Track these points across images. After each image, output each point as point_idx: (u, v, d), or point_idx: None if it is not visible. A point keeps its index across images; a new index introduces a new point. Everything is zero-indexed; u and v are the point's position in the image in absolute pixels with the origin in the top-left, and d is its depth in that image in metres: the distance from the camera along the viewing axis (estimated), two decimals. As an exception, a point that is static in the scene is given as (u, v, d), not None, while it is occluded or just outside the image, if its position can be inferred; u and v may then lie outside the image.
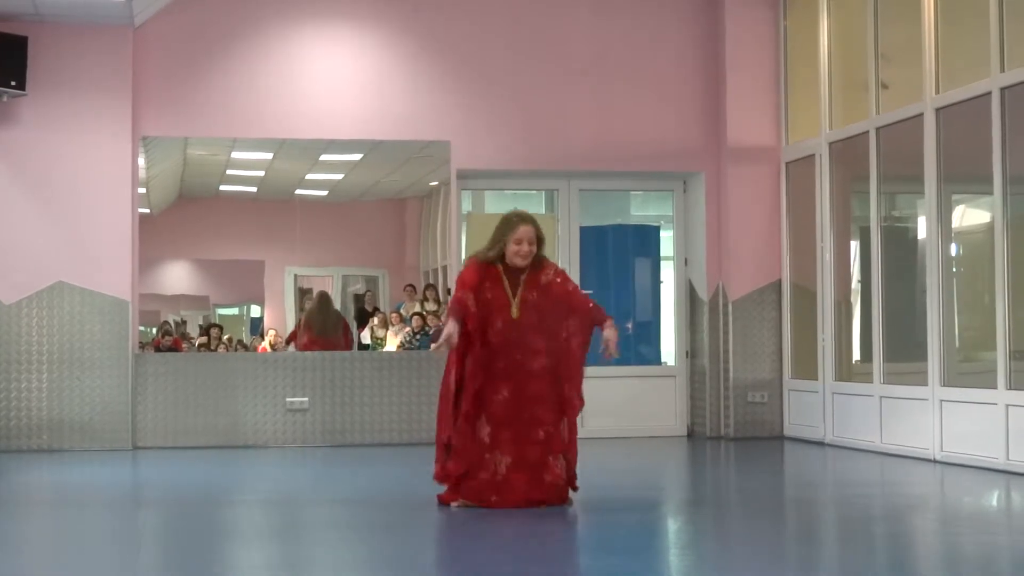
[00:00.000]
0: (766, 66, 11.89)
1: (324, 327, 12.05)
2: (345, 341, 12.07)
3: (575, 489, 7.39)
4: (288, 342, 12.02)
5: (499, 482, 7.20)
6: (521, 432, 7.20)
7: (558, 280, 7.41)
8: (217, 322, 12.29)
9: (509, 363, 7.24)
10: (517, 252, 7.32)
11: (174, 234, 12.08)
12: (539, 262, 7.43)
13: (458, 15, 11.73)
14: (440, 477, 7.36)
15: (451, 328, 7.16)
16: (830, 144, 11.20)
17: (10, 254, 11.01)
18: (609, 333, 7.26)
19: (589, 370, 11.31)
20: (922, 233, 10.05)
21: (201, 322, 12.31)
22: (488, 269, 7.38)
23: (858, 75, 10.80)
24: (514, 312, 7.29)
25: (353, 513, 7.38)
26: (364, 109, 11.58)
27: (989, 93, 9.11)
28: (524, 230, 7.33)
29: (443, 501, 7.32)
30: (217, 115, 11.40)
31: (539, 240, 7.38)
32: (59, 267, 11.03)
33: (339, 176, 12.63)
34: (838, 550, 6.38)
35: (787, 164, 11.83)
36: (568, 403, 7.30)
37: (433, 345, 7.37)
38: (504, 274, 7.37)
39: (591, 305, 7.41)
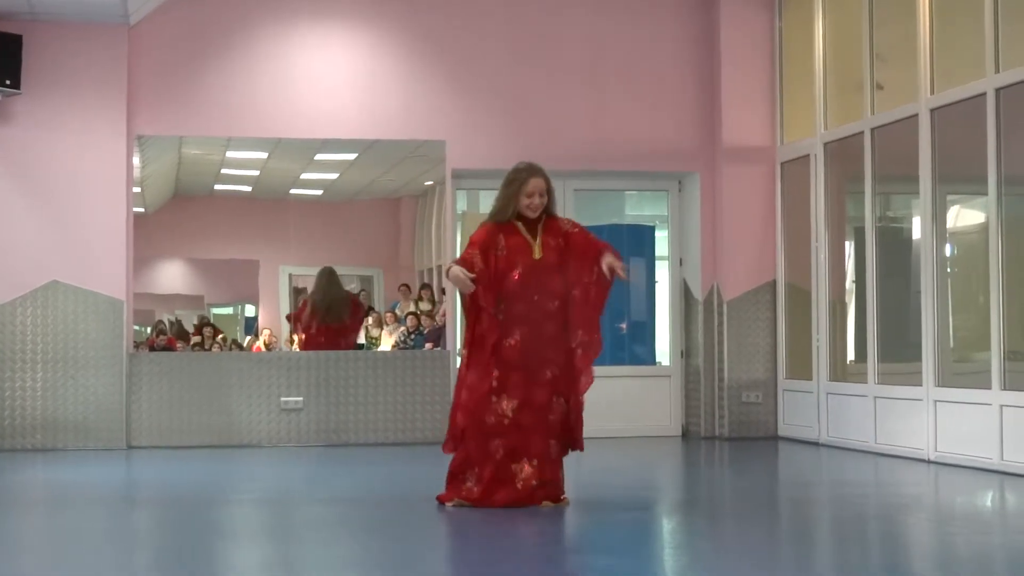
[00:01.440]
0: (761, 66, 11.89)
1: (331, 309, 11.95)
2: (354, 320, 12.00)
3: (580, 448, 7.35)
4: (295, 320, 11.92)
5: (507, 426, 7.16)
6: (530, 374, 7.20)
7: (576, 231, 7.45)
8: (211, 321, 12.28)
9: (527, 306, 7.25)
10: (529, 205, 7.36)
11: (169, 233, 12.07)
12: (553, 215, 7.47)
13: (454, 15, 11.73)
14: (448, 443, 7.34)
15: (457, 271, 7.17)
16: (825, 144, 11.21)
17: (4, 253, 10.99)
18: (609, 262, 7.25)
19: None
20: (917, 233, 10.06)
21: (195, 321, 12.29)
22: (502, 226, 7.41)
23: (853, 75, 10.80)
24: (536, 253, 7.32)
25: (348, 512, 7.38)
26: (359, 108, 11.58)
27: (984, 94, 9.12)
28: (535, 183, 7.36)
29: (441, 501, 7.33)
30: (212, 114, 11.39)
31: (549, 192, 7.43)
32: (54, 266, 11.02)
33: (334, 175, 12.63)
34: (832, 550, 6.39)
35: (782, 164, 11.83)
36: (593, 345, 7.27)
37: (449, 274, 7.28)
38: (521, 223, 7.40)
39: (603, 246, 7.38)
